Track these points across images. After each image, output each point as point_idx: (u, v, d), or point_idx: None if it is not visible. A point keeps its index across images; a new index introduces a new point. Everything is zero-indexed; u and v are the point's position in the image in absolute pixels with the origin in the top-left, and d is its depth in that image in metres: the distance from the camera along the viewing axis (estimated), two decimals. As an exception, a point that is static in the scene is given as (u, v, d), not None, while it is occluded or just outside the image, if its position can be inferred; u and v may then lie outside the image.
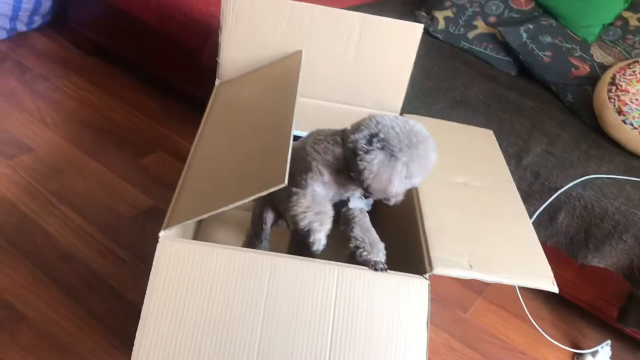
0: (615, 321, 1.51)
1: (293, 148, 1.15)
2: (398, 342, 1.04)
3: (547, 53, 1.87)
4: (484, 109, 1.70)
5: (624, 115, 1.61)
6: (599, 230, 1.42)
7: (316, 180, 1.07)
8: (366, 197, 1.13)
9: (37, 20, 2.43)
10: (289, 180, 1.09)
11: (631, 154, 1.60)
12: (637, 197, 1.42)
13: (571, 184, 1.44)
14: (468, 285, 1.71)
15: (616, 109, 1.63)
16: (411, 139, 0.98)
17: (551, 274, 1.13)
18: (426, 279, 1.06)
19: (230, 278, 1.01)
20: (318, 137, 1.10)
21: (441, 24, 2.04)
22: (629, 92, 1.64)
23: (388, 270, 1.06)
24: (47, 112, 2.01)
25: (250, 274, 1.02)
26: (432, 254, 1.08)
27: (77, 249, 1.54)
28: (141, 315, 0.98)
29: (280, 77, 1.36)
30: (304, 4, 1.38)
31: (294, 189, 1.08)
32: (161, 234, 1.02)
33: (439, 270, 1.06)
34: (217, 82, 1.48)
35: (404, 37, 1.42)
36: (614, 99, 1.64)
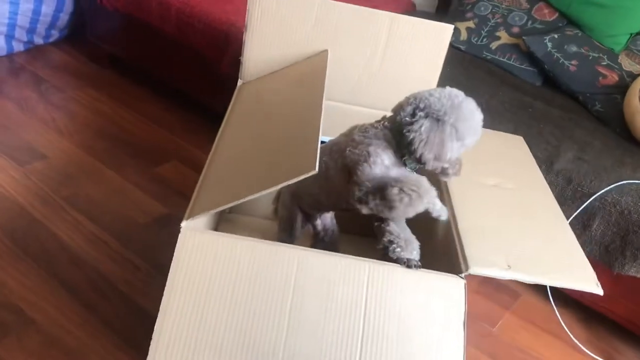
0: (655, 336, 1.43)
1: (332, 144, 1.10)
2: (433, 345, 0.96)
3: (573, 62, 1.82)
4: (510, 116, 1.65)
5: (658, 122, 1.56)
6: (637, 237, 1.35)
7: (378, 165, 1.00)
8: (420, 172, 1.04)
9: (54, 34, 2.42)
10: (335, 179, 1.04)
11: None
12: (676, 204, 1.36)
13: (606, 189, 1.37)
14: (495, 300, 1.63)
15: (649, 115, 1.57)
16: (453, 101, 0.94)
17: (594, 275, 1.06)
18: (462, 278, 1.00)
19: (255, 272, 0.95)
20: (362, 127, 1.05)
21: (463, 35, 2.01)
22: (661, 99, 1.59)
23: (422, 268, 1.00)
24: (62, 122, 1.98)
25: (276, 269, 0.96)
26: (467, 254, 1.01)
27: (89, 255, 1.48)
28: (160, 309, 0.92)
29: (306, 75, 1.31)
30: (331, 2, 1.35)
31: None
32: (183, 224, 0.97)
33: (475, 269, 0.99)
34: (239, 83, 1.44)
35: (433, 38, 1.38)
36: (646, 106, 1.59)
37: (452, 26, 1.32)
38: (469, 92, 1.73)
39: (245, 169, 1.05)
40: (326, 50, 1.38)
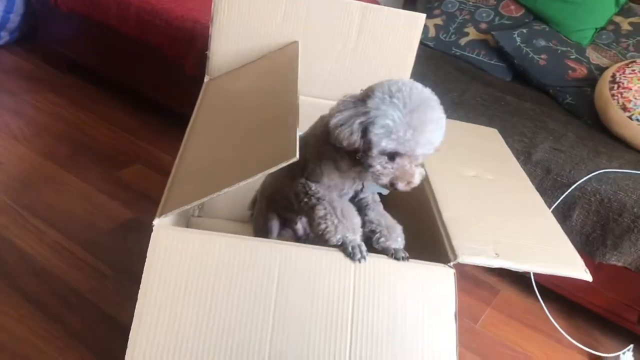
0: (636, 324, 1.42)
1: (303, 136, 1.05)
2: (425, 337, 0.92)
3: (542, 56, 1.82)
4: (483, 110, 1.64)
5: (630, 112, 1.56)
6: (617, 225, 1.34)
7: (330, 167, 0.96)
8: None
9: (4, 37, 2.31)
10: (301, 169, 0.99)
11: (637, 152, 1.54)
12: (654, 190, 1.35)
13: (585, 178, 1.37)
14: (475, 296, 1.61)
15: (620, 105, 1.58)
16: (404, 92, 0.85)
17: (582, 261, 1.04)
18: (451, 267, 0.96)
19: (236, 270, 0.90)
20: (325, 117, 1.00)
21: (432, 32, 2.00)
22: (631, 89, 1.60)
23: (410, 260, 0.96)
24: (17, 126, 1.88)
25: (259, 266, 0.91)
26: (454, 243, 0.98)
27: (53, 265, 1.39)
28: (134, 315, 0.85)
29: (278, 66, 1.27)
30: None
31: (307, 182, 0.98)
32: (155, 221, 0.91)
33: (464, 258, 0.96)
34: (206, 79, 1.38)
35: (405, 27, 1.34)
36: (617, 96, 1.59)
37: (424, 15, 1.29)
38: (439, 89, 1.70)
39: (219, 162, 0.99)
40: (296, 42, 1.33)
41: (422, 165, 0.93)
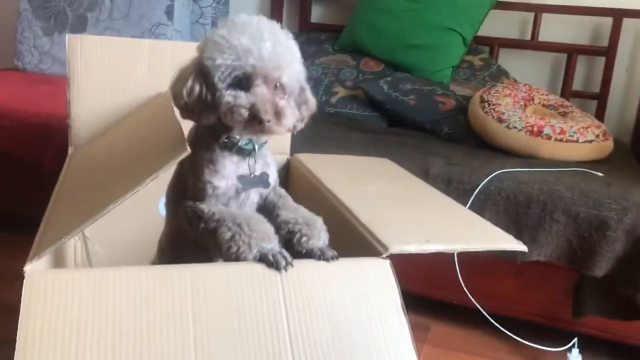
0: (572, 318, 1.36)
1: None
2: (375, 338, 0.79)
3: (411, 97, 1.87)
4: (369, 149, 1.61)
5: (505, 122, 1.61)
6: (528, 217, 1.32)
7: (212, 169, 0.84)
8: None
9: None
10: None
11: (523, 157, 1.58)
12: (552, 179, 1.36)
13: (487, 180, 1.35)
14: (408, 339, 1.48)
15: (496, 119, 1.63)
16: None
17: (511, 237, 0.99)
18: (385, 259, 0.86)
19: (139, 305, 0.73)
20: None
21: (301, 96, 2.00)
22: (500, 104, 1.67)
23: (339, 258, 0.85)
24: None
25: (165, 294, 0.75)
26: (380, 237, 0.89)
27: None
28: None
29: (152, 113, 1.16)
30: (161, 41, 1.25)
31: (196, 205, 0.84)
32: (27, 267, 0.73)
33: (395, 248, 0.86)
34: (70, 151, 1.24)
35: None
36: (490, 112, 1.65)
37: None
38: (320, 141, 1.68)
39: (101, 186, 0.85)
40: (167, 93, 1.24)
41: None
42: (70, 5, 2.25)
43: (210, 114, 0.79)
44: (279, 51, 0.76)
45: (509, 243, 0.96)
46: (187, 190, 0.85)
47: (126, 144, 1.05)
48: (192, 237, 0.88)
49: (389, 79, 1.95)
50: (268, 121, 0.75)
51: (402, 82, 1.93)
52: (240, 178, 0.84)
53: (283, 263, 0.79)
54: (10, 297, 1.45)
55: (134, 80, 1.24)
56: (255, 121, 0.75)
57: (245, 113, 0.75)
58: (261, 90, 0.76)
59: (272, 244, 0.81)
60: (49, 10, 2.29)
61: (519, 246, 0.95)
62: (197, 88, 0.77)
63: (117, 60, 1.23)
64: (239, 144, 0.83)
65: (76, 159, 1.17)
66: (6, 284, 1.56)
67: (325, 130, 1.76)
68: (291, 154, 1.36)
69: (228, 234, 0.80)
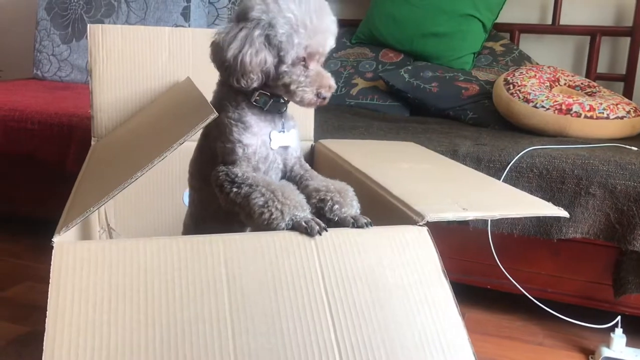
0: (614, 298, 1.31)
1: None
2: (418, 304, 0.76)
3: (433, 84, 1.84)
4: (393, 136, 1.58)
5: (533, 102, 1.57)
6: (562, 193, 1.28)
7: (245, 114, 0.83)
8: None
9: None
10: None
11: (551, 136, 1.54)
12: (585, 153, 1.32)
13: (518, 156, 1.31)
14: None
15: (522, 99, 1.59)
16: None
17: (549, 204, 0.95)
18: (423, 226, 0.83)
19: (171, 274, 0.71)
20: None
21: (321, 90, 1.98)
22: (526, 85, 1.63)
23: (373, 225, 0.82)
24: None
25: (199, 264, 0.72)
26: (416, 208, 0.85)
27: None
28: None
29: (174, 95, 1.15)
30: (180, 28, 1.23)
31: (229, 169, 0.82)
32: (55, 238, 0.71)
33: (432, 216, 0.83)
34: (93, 142, 1.22)
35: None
36: (516, 93, 1.61)
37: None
38: (342, 130, 1.65)
39: (127, 158, 0.83)
40: (188, 78, 1.23)
41: None
42: (87, 12, 2.27)
43: (265, 82, 0.81)
44: (333, 27, 0.81)
45: (549, 209, 0.92)
46: (215, 158, 0.83)
47: (150, 124, 1.04)
48: (217, 212, 0.86)
49: (409, 67, 1.92)
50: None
51: (423, 70, 1.90)
52: (272, 134, 0.85)
53: (317, 228, 0.77)
54: (38, 297, 1.45)
55: (155, 68, 1.23)
56: (318, 98, 0.81)
57: (312, 90, 0.80)
58: (317, 68, 0.81)
59: (305, 213, 0.78)
60: (67, 18, 2.30)
61: (560, 212, 0.91)
62: (263, 57, 0.78)
63: (138, 49, 1.22)
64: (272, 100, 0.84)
65: (99, 147, 1.16)
66: (34, 283, 1.57)
67: (346, 121, 1.74)
68: (315, 141, 1.34)
69: (261, 200, 0.78)
